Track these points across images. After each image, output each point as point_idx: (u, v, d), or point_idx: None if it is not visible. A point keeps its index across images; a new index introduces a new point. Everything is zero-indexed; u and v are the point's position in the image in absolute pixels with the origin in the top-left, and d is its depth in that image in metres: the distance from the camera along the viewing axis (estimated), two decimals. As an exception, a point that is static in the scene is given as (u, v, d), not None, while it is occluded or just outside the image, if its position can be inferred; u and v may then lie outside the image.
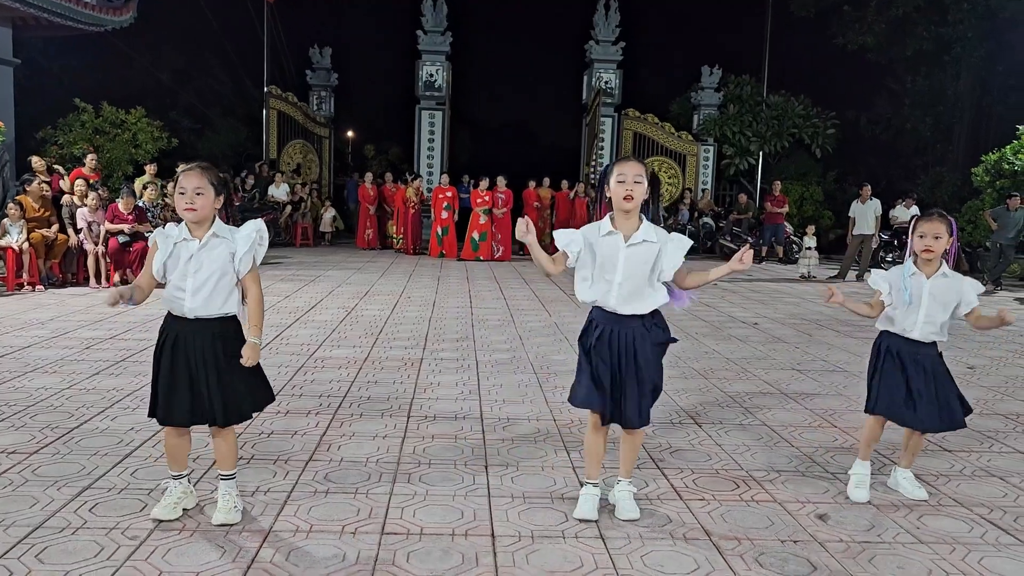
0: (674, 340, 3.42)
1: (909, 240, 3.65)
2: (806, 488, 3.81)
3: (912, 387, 3.60)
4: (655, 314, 3.32)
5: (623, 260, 3.20)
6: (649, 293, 3.26)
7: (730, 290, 12.10)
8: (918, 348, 3.63)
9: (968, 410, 3.69)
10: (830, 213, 20.31)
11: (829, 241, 19.29)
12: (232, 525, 3.17)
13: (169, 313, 3.18)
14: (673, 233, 3.31)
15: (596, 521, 3.32)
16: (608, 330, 3.26)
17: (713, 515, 3.44)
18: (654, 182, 3.30)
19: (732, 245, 18.28)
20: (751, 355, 7.05)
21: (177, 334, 3.13)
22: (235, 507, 3.24)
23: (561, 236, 3.32)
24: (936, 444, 4.53)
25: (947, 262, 3.63)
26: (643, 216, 3.27)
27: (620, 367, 3.25)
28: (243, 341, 3.19)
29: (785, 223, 17.82)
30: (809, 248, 14.61)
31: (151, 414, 3.21)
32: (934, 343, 3.65)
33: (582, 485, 3.49)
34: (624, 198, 3.18)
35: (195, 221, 3.12)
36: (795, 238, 17.53)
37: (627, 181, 3.17)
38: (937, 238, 3.55)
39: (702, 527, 3.31)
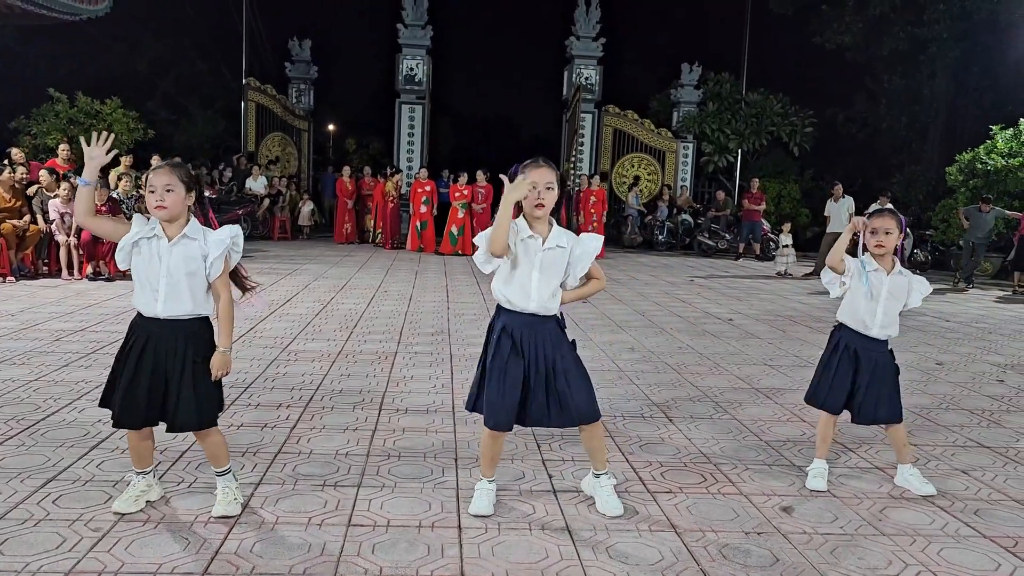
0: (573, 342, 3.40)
1: (861, 238, 3.72)
2: (772, 481, 3.85)
3: (858, 382, 3.69)
4: (561, 315, 3.34)
5: (539, 263, 3.19)
6: (557, 294, 3.26)
7: (706, 286, 12.18)
8: (873, 345, 3.71)
9: (899, 416, 3.75)
10: (807, 211, 20.47)
11: (806, 239, 19.45)
12: (232, 517, 3.16)
13: (139, 314, 3.14)
14: (582, 235, 3.30)
15: (490, 516, 3.29)
16: (526, 334, 3.22)
17: (679, 507, 3.47)
18: (563, 184, 3.28)
19: (710, 242, 18.39)
20: (724, 351, 7.11)
21: (148, 335, 3.09)
22: (235, 499, 3.24)
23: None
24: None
25: (898, 257, 3.71)
26: (552, 220, 3.25)
27: (552, 370, 3.22)
28: (213, 345, 3.17)
29: (763, 220, 17.94)
30: (786, 246, 14.73)
31: (103, 404, 3.18)
32: (886, 341, 3.73)
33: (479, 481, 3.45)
34: (536, 206, 3.17)
35: (166, 219, 3.10)
36: (772, 235, 17.66)
37: (539, 187, 3.15)
38: (888, 233, 3.63)
39: (668, 519, 3.33)
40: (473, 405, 3.35)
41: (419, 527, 3.16)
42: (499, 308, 3.31)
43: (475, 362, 3.42)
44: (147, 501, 3.26)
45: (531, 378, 3.21)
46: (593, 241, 3.29)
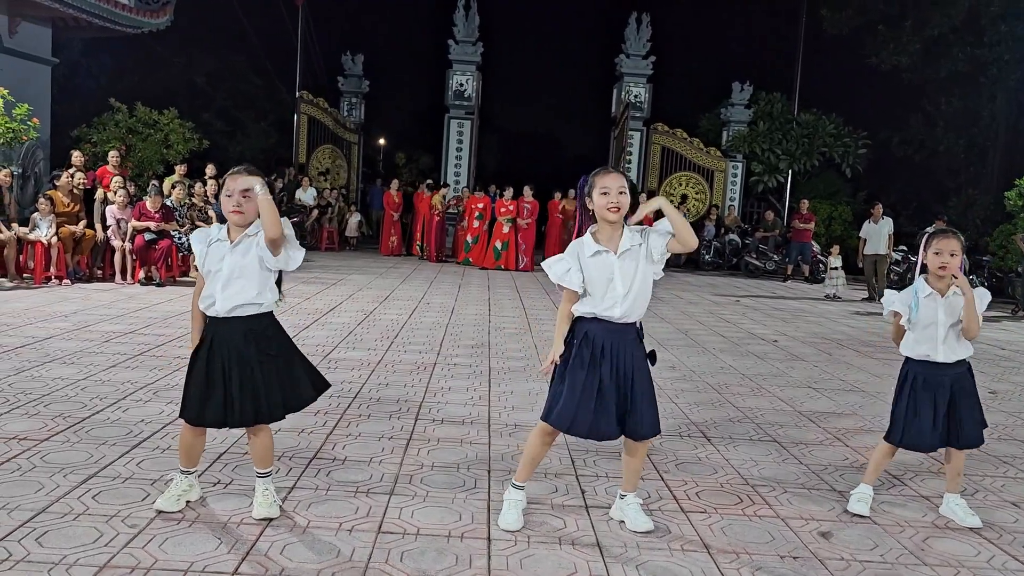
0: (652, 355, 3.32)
1: (920, 257, 3.62)
2: (811, 505, 3.76)
3: (937, 412, 3.57)
4: (640, 326, 3.29)
5: (619, 273, 3.16)
6: (646, 298, 3.22)
7: (752, 307, 12.00)
8: (944, 370, 3.59)
9: (983, 424, 3.66)
10: (859, 233, 20.07)
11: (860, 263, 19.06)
12: (272, 519, 3.20)
13: (208, 316, 3.19)
14: (659, 222, 3.24)
15: (520, 530, 3.24)
16: (608, 343, 3.18)
17: (713, 528, 3.40)
18: (634, 191, 3.25)
19: (758, 262, 18.15)
20: (768, 372, 6.98)
21: (213, 336, 3.15)
22: (275, 501, 3.27)
23: (555, 269, 3.24)
24: (949, 467, 4.44)
25: (955, 278, 3.60)
26: (624, 224, 3.22)
27: (629, 380, 3.18)
28: (278, 338, 3.21)
29: (812, 242, 17.63)
30: (835, 268, 14.42)
31: (182, 414, 3.22)
32: (961, 360, 3.62)
33: (511, 489, 3.40)
34: (609, 209, 3.14)
35: (241, 224, 3.13)
36: (822, 258, 17.35)
37: (611, 193, 3.14)
38: (953, 255, 3.53)
39: (701, 539, 3.27)
40: (547, 415, 3.27)
41: (448, 537, 3.15)
42: (580, 317, 3.26)
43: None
44: (186, 501, 3.31)
45: (607, 387, 3.16)
46: (663, 226, 3.21)
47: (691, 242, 3.16)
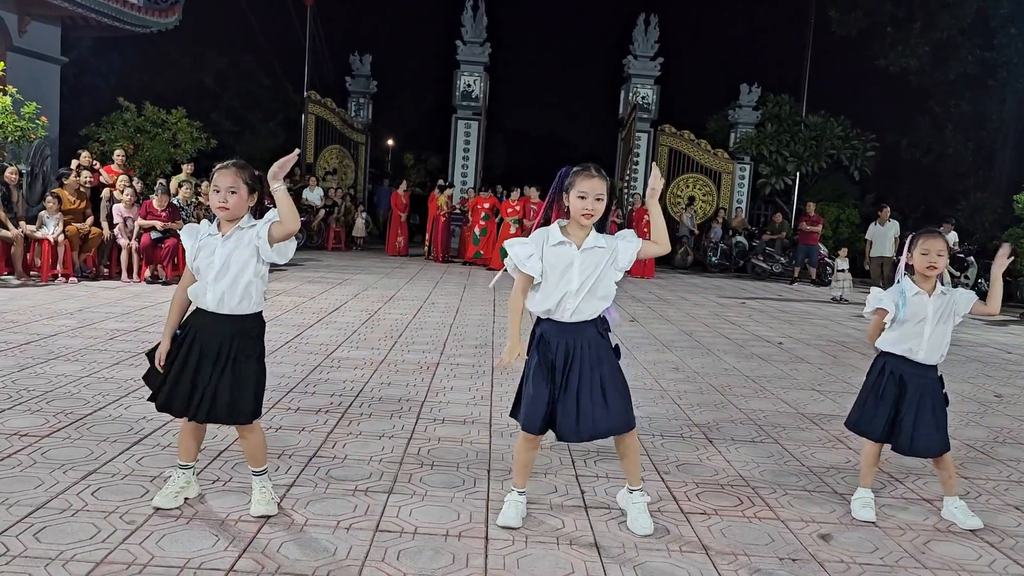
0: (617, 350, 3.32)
1: (904, 258, 3.62)
2: (812, 507, 3.74)
3: (902, 409, 3.57)
4: (603, 319, 3.28)
5: (578, 267, 3.16)
6: (601, 298, 3.22)
7: (758, 309, 11.96)
8: (923, 371, 3.60)
9: (945, 447, 3.61)
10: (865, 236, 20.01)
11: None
12: (270, 516, 3.20)
13: (196, 308, 3.21)
14: (623, 231, 3.29)
15: (519, 528, 3.25)
16: (563, 342, 3.19)
17: (712, 529, 3.39)
18: (612, 195, 3.27)
19: (764, 265, 18.09)
20: (772, 374, 6.95)
21: (198, 328, 3.16)
22: (272, 499, 3.28)
23: (517, 250, 3.21)
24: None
25: (939, 280, 3.61)
26: (592, 226, 3.22)
27: (589, 377, 3.18)
28: (260, 342, 3.22)
29: (819, 244, 17.57)
30: (842, 271, 14.37)
31: (150, 398, 3.25)
32: (935, 366, 3.62)
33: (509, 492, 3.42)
34: (584, 215, 3.15)
35: (228, 219, 3.17)
36: (829, 260, 17.28)
37: (588, 198, 3.13)
38: (940, 255, 3.53)
39: (699, 540, 3.26)
40: (513, 411, 3.37)
41: (446, 536, 3.15)
42: (538, 317, 3.29)
43: (516, 375, 3.43)
44: (184, 498, 3.31)
45: (568, 385, 3.16)
46: (633, 235, 3.28)
47: (666, 244, 3.30)
